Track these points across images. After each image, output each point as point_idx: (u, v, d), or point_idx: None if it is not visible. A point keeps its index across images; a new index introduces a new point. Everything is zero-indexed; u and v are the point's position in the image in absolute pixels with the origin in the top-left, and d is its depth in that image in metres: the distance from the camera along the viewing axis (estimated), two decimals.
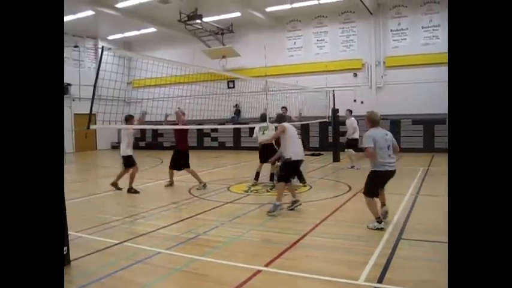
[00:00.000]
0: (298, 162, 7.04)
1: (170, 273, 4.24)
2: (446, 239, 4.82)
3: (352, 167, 11.94)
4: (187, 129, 9.67)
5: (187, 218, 6.52)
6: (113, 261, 4.54)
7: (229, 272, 4.18)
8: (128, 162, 9.10)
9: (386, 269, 4.09)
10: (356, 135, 12.02)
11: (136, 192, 8.87)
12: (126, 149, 9.06)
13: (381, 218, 5.63)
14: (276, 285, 3.90)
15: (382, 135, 5.68)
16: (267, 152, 9.07)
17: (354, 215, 6.47)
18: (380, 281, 3.80)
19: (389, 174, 5.68)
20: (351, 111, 12.37)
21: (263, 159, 9.42)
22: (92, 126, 5.99)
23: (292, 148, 6.85)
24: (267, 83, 10.45)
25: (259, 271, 4.14)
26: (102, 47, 6.01)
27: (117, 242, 5.24)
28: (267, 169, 9.55)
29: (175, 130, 9.48)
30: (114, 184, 9.21)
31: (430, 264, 4.26)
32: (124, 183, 9.13)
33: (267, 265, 4.28)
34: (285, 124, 7.07)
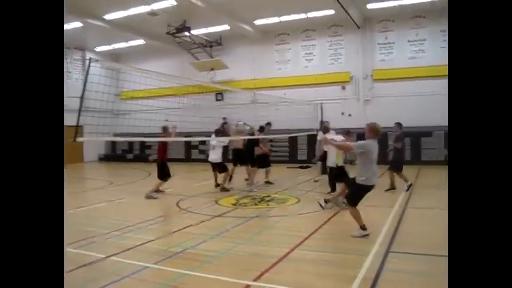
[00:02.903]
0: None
1: None
2: (435, 251, 4.83)
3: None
4: (166, 142, 10.09)
5: (175, 232, 6.45)
6: (99, 276, 4.45)
7: (218, 286, 4.13)
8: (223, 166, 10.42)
9: (376, 282, 4.07)
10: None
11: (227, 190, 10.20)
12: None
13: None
14: None
15: (376, 148, 5.86)
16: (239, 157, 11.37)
17: (343, 228, 6.47)
18: None
19: (374, 186, 5.95)
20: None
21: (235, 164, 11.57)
22: (79, 139, 5.93)
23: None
24: (255, 95, 10.50)
25: (248, 286, 4.09)
26: (90, 59, 5.99)
27: (103, 256, 5.14)
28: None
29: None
30: (223, 188, 10.31)
31: (420, 278, 4.26)
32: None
33: (255, 279, 4.23)
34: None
